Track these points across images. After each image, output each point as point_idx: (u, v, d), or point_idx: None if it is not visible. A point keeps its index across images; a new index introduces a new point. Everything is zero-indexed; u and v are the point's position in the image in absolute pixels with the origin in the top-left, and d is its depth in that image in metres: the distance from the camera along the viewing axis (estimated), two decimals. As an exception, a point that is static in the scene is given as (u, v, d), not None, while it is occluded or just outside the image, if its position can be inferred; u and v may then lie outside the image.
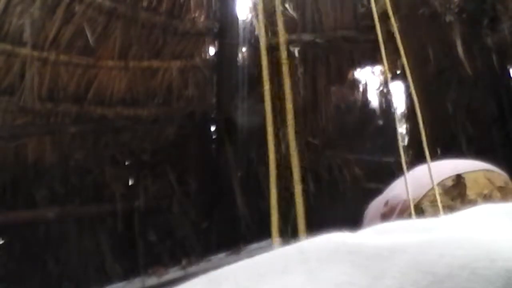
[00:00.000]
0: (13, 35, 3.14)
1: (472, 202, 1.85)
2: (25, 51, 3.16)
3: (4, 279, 3.17)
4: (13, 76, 3.22)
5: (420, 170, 2.10)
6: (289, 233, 3.44)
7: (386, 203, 2.09)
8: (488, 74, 3.38)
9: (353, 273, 0.34)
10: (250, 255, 0.40)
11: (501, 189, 1.89)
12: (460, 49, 3.24)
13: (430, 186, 1.89)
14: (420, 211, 1.89)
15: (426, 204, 1.88)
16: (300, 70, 3.71)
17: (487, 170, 1.93)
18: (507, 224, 0.37)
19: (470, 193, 1.82)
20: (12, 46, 3.15)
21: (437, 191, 1.84)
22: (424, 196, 1.87)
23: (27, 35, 3.12)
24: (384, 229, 0.42)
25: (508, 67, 3.40)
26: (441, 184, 1.92)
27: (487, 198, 1.84)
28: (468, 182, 1.85)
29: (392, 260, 0.33)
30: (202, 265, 2.53)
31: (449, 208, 1.89)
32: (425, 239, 0.35)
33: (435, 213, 1.88)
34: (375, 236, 0.40)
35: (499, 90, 3.39)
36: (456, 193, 1.86)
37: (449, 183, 1.90)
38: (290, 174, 4.15)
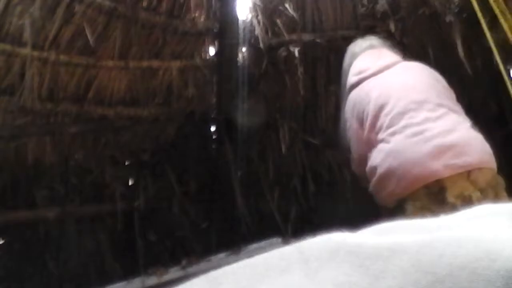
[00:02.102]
0: (13, 35, 3.14)
1: (451, 205, 1.86)
2: (25, 51, 3.16)
3: (4, 279, 3.17)
4: (13, 76, 3.22)
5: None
6: (289, 233, 3.45)
7: (375, 169, 2.14)
8: (488, 74, 3.38)
9: (353, 273, 0.34)
10: (250, 255, 0.40)
11: (482, 190, 1.90)
12: (460, 49, 3.24)
13: (418, 186, 1.90)
14: (401, 210, 1.92)
15: (409, 204, 1.91)
16: (300, 70, 3.71)
17: (478, 168, 1.94)
18: (507, 224, 0.37)
19: (449, 196, 1.84)
20: (12, 46, 3.14)
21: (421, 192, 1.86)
22: (410, 195, 1.89)
23: (27, 35, 3.12)
24: (384, 229, 0.42)
25: (508, 67, 3.40)
26: (426, 187, 1.93)
27: (467, 200, 1.86)
28: (449, 185, 1.87)
29: (392, 260, 0.34)
30: (202, 265, 2.53)
31: (429, 211, 1.90)
32: (425, 239, 0.35)
33: (415, 213, 1.91)
34: (375, 236, 0.40)
35: (499, 90, 3.39)
36: (437, 199, 1.88)
37: (434, 189, 1.91)
38: (291, 175, 4.14)
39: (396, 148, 1.96)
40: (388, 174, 1.98)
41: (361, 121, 2.17)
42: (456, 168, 1.82)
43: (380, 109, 2.08)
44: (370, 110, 2.12)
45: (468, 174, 1.84)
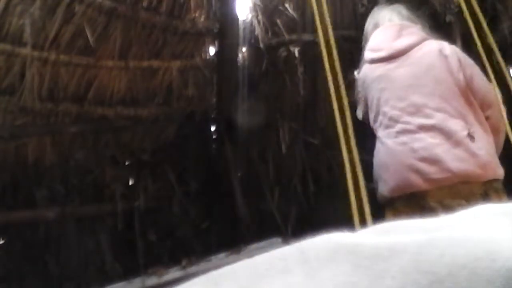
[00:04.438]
0: (13, 35, 3.14)
1: (430, 210, 1.89)
2: (25, 51, 3.16)
3: (4, 279, 3.17)
4: (13, 76, 3.23)
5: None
6: (289, 233, 3.45)
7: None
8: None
9: (353, 273, 0.34)
10: (250, 255, 0.40)
11: (466, 199, 1.91)
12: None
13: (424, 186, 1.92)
14: (388, 209, 1.96)
15: (391, 205, 1.96)
16: (300, 70, 3.71)
17: (458, 182, 1.95)
18: (507, 224, 0.37)
19: (429, 202, 1.87)
20: (12, 46, 3.15)
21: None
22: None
23: (27, 35, 3.12)
24: (384, 229, 0.42)
25: (508, 67, 3.40)
26: (405, 195, 1.98)
27: (446, 207, 1.88)
28: (429, 195, 1.90)
29: (392, 260, 0.34)
30: (202, 265, 2.53)
31: (406, 215, 1.94)
32: (425, 239, 0.35)
33: (392, 216, 1.97)
34: (375, 236, 0.40)
35: (498, 90, 3.38)
36: (417, 203, 1.92)
37: (412, 198, 1.95)
38: (291, 175, 4.11)
39: (387, 152, 2.04)
40: (378, 176, 2.09)
41: (366, 102, 2.24)
42: (436, 182, 1.85)
43: (382, 105, 2.12)
44: (374, 102, 2.16)
45: (450, 186, 1.86)
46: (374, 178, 2.13)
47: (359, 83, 2.35)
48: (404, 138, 1.99)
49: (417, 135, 1.96)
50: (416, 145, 1.94)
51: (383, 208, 2.08)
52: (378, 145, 2.12)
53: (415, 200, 1.88)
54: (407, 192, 1.89)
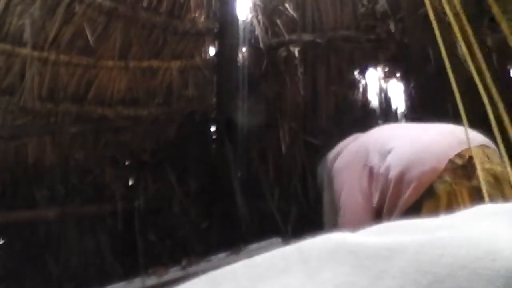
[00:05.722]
0: (13, 35, 3.14)
1: (478, 179, 1.87)
2: (25, 51, 3.16)
3: (4, 279, 3.17)
4: (13, 76, 3.23)
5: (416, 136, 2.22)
6: (289, 233, 3.45)
7: (386, 177, 2.17)
8: (488, 74, 3.37)
9: (353, 273, 0.34)
10: (250, 255, 0.40)
11: (498, 165, 1.92)
12: (460, 49, 3.23)
13: (443, 163, 1.92)
14: (429, 196, 1.91)
15: (438, 185, 1.91)
16: (300, 70, 3.71)
17: (485, 146, 1.98)
18: (507, 224, 0.37)
19: (477, 168, 1.84)
20: (12, 46, 3.15)
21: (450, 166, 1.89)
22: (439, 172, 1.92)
23: (27, 35, 3.12)
24: (384, 229, 0.42)
25: (508, 67, 3.40)
26: (450, 161, 1.96)
27: (491, 173, 1.87)
28: (473, 156, 1.88)
29: (392, 260, 0.34)
30: (202, 265, 2.53)
31: (459, 186, 1.90)
32: (425, 239, 0.35)
33: (446, 192, 1.91)
34: (375, 236, 0.40)
35: (499, 90, 3.38)
36: (464, 173, 1.90)
37: (459, 162, 1.95)
38: (291, 175, 4.10)
39: (421, 139, 2.00)
40: (411, 166, 1.92)
41: (362, 162, 2.14)
42: (470, 143, 1.83)
43: (376, 135, 2.21)
44: (371, 144, 2.15)
45: (482, 150, 1.87)
46: (402, 184, 1.92)
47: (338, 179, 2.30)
48: (416, 128, 2.10)
49: (425, 125, 2.10)
50: (431, 126, 2.07)
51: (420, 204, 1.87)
52: (404, 139, 2.04)
53: (460, 169, 1.84)
54: (462, 148, 1.85)
